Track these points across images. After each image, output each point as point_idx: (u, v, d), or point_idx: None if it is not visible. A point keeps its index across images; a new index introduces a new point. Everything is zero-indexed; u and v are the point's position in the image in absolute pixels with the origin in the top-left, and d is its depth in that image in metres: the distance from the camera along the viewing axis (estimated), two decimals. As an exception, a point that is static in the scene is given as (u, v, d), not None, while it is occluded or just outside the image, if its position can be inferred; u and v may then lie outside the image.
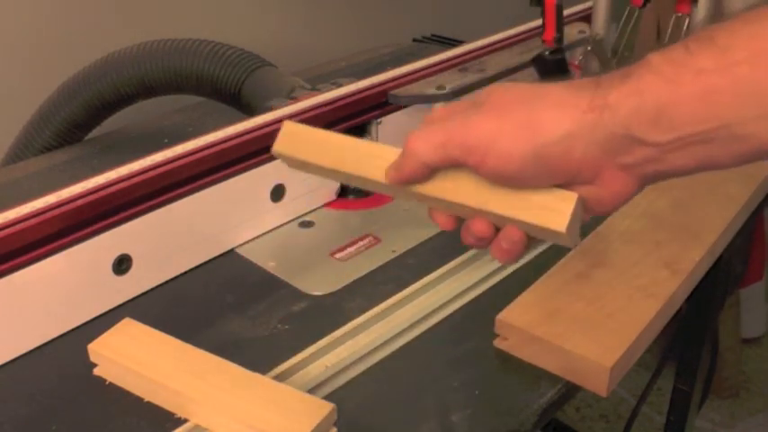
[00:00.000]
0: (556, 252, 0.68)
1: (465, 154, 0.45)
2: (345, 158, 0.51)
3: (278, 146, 0.55)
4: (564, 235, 0.45)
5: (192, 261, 0.72)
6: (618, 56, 0.99)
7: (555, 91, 0.44)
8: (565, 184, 0.45)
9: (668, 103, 0.41)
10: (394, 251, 0.74)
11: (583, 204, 0.45)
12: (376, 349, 0.61)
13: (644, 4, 0.95)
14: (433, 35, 1.30)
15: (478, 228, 0.48)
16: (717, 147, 0.42)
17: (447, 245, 0.73)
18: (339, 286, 0.69)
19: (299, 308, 0.66)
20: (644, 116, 0.42)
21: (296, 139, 0.54)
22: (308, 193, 0.81)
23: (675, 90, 0.41)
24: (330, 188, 0.83)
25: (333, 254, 0.74)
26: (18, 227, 0.59)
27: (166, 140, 0.74)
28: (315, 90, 0.88)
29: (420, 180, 0.47)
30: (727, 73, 0.40)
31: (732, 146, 0.42)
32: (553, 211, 0.45)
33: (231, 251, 0.74)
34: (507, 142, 0.43)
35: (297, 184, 0.79)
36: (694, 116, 0.41)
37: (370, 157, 0.50)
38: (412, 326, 0.63)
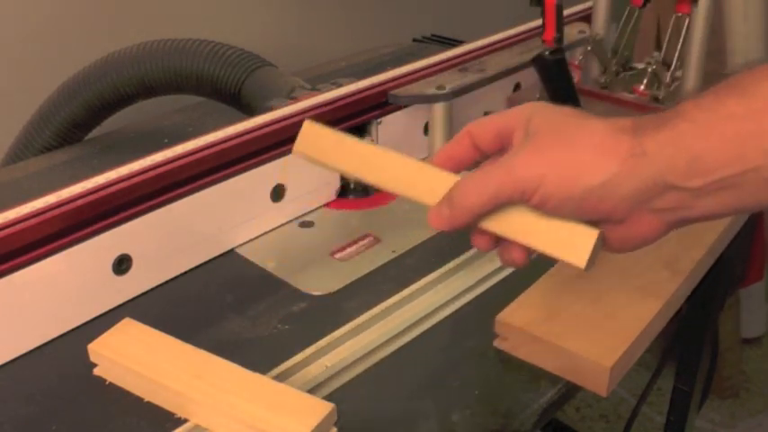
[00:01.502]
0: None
1: (516, 197, 0.47)
2: (372, 169, 0.53)
3: (299, 146, 0.55)
4: (584, 270, 0.48)
5: (192, 261, 0.72)
6: (618, 56, 0.99)
7: (596, 131, 0.46)
8: (594, 222, 0.47)
9: (701, 150, 0.43)
10: (394, 251, 0.74)
11: (603, 240, 0.48)
12: (376, 349, 0.61)
13: (644, 4, 0.95)
14: (433, 35, 1.29)
15: (516, 255, 0.50)
16: (745, 191, 0.43)
17: (447, 245, 0.73)
18: (339, 286, 0.69)
19: (299, 308, 0.66)
20: (679, 164, 0.44)
21: (318, 141, 0.55)
22: (308, 193, 0.81)
23: (707, 136, 0.43)
24: (330, 188, 0.83)
25: (333, 254, 0.74)
26: (18, 227, 0.59)
27: (166, 140, 0.74)
28: (315, 90, 0.88)
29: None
30: (755, 118, 0.42)
31: (759, 190, 0.43)
32: (576, 248, 0.47)
33: (231, 251, 0.74)
34: (551, 187, 0.45)
35: (297, 184, 0.79)
36: (726, 161, 0.43)
37: (403, 172, 0.51)
38: (412, 326, 0.63)
